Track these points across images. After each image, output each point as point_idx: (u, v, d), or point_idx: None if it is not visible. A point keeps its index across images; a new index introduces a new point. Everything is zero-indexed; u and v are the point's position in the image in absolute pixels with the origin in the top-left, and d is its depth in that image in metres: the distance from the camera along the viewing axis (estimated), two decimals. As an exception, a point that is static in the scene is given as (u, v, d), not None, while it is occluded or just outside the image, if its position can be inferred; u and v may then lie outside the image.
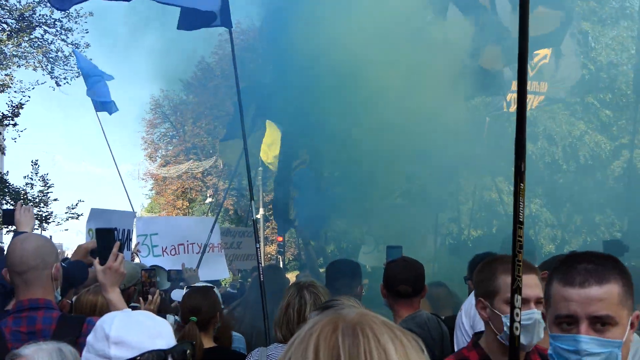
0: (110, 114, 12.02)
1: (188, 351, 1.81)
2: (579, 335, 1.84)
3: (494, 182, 12.40)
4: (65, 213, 20.11)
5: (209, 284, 5.02)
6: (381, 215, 10.52)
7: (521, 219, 2.18)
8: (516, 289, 2.14)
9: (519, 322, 2.15)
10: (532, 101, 11.20)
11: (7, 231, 17.38)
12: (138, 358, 1.71)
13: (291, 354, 1.12)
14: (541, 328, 2.49)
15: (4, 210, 4.27)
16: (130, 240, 7.81)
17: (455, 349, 3.59)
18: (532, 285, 2.39)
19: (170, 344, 1.78)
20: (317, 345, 1.11)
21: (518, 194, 2.19)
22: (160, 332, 1.79)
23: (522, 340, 2.33)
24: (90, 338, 1.79)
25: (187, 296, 4.23)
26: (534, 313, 2.42)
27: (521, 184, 2.20)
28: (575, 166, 17.83)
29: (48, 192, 19.58)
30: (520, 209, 2.18)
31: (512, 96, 10.62)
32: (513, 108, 10.52)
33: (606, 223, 16.69)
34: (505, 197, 13.77)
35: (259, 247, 6.06)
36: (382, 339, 1.11)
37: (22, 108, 18.15)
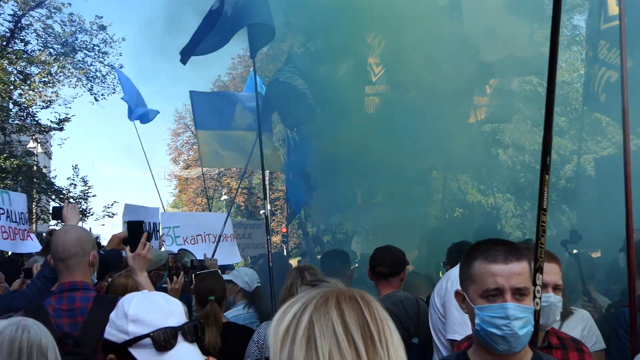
0: (148, 121, 12.01)
1: (197, 326, 1.80)
2: (506, 303, 1.88)
3: (456, 179, 12.20)
4: (102, 211, 20.13)
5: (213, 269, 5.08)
6: (371, 210, 10.50)
7: (545, 207, 2.11)
8: (538, 269, 2.11)
9: (539, 298, 2.11)
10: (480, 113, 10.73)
11: (55, 223, 17.40)
12: (151, 334, 1.69)
13: (311, 317, 1.10)
14: (557, 311, 2.43)
15: (53, 207, 4.29)
16: (158, 231, 7.79)
17: (430, 326, 3.54)
18: (551, 272, 2.31)
19: (180, 322, 1.76)
20: (341, 309, 1.10)
21: (543, 184, 2.12)
22: (172, 312, 1.76)
23: (540, 320, 2.30)
24: (112, 315, 1.77)
25: (202, 280, 4.24)
26: (551, 297, 2.36)
27: (546, 176, 2.13)
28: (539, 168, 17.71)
29: (87, 191, 19.59)
30: (545, 198, 2.11)
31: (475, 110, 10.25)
32: (473, 119, 10.31)
33: (563, 218, 16.71)
34: (471, 190, 13.72)
35: (269, 239, 6.06)
36: (379, 306, 1.17)
37: (68, 121, 18.30)
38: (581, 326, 3.54)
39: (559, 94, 18.59)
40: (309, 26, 9.44)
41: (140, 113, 11.87)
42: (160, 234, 7.75)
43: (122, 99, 11.68)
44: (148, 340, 1.69)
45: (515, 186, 16.65)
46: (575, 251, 4.40)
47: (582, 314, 3.62)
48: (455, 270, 3.45)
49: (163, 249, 7.38)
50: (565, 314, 3.57)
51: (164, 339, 1.69)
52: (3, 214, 5.98)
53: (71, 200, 18.08)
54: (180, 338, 1.72)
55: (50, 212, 11.20)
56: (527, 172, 17.48)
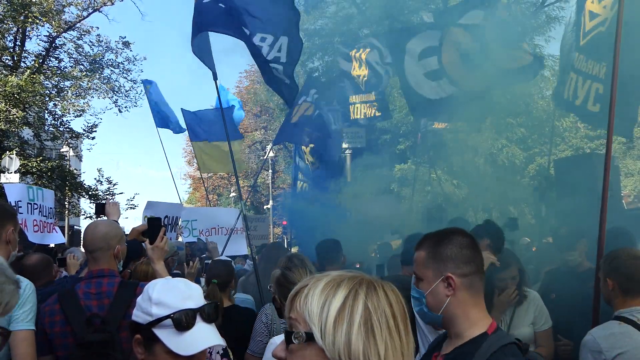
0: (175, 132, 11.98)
1: (216, 308, 1.78)
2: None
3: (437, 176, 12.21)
4: (125, 204, 19.99)
5: (228, 258, 5.07)
6: (360, 204, 10.52)
7: None
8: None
9: None
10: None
11: (98, 217, 17.13)
12: (172, 315, 1.68)
13: (366, 304, 1.06)
14: None
15: (97, 203, 4.30)
16: (177, 224, 7.77)
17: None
18: None
19: (199, 304, 1.74)
20: (389, 299, 1.10)
21: None
22: (191, 295, 1.75)
23: None
24: (139, 299, 1.76)
25: (211, 266, 4.26)
26: None
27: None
28: (493, 170, 17.84)
29: (113, 189, 19.50)
30: None
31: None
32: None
33: (518, 211, 16.79)
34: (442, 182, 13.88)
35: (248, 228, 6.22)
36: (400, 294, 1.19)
37: (96, 129, 18.41)
38: (533, 307, 3.54)
39: (521, 105, 18.61)
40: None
41: (171, 123, 11.87)
42: (179, 226, 7.72)
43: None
44: (169, 321, 1.67)
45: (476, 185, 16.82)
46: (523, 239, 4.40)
47: (533, 295, 3.60)
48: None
49: (180, 239, 7.38)
50: (521, 298, 3.53)
51: (184, 320, 1.67)
52: (37, 208, 5.94)
53: (98, 197, 18.11)
54: (198, 318, 1.71)
55: (94, 208, 11.19)
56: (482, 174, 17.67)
